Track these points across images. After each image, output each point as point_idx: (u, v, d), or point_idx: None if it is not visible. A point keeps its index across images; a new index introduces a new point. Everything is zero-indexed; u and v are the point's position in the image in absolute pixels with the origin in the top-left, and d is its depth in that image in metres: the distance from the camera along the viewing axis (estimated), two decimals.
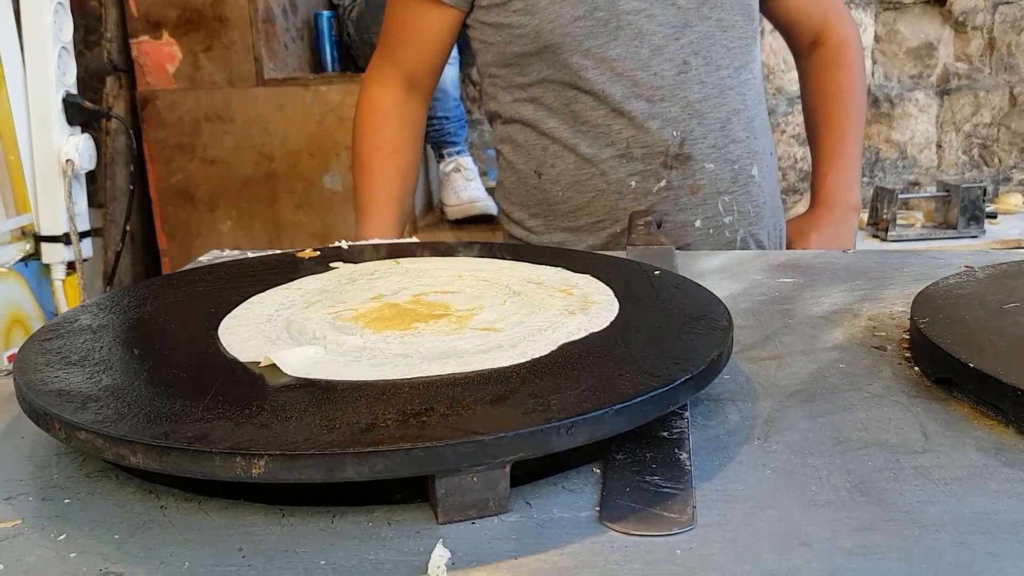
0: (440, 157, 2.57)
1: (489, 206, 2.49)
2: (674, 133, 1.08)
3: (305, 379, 0.47)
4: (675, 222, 1.09)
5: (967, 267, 0.69)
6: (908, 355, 0.58)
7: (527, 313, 0.58)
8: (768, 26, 1.36)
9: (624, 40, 1.06)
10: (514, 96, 1.12)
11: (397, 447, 0.38)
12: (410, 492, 0.42)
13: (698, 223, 1.11)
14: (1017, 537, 0.37)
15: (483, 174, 2.73)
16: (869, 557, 0.36)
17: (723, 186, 1.11)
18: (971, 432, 0.47)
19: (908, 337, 0.60)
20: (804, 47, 1.25)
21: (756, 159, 1.13)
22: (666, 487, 0.42)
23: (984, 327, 0.56)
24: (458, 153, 2.55)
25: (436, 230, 2.44)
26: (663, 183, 1.09)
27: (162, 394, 0.45)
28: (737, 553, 0.37)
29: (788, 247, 1.21)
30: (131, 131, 2.01)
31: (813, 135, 1.25)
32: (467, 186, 2.52)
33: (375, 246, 0.79)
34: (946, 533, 0.38)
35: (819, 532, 0.38)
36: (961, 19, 3.07)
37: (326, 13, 2.58)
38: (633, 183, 1.09)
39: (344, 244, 0.80)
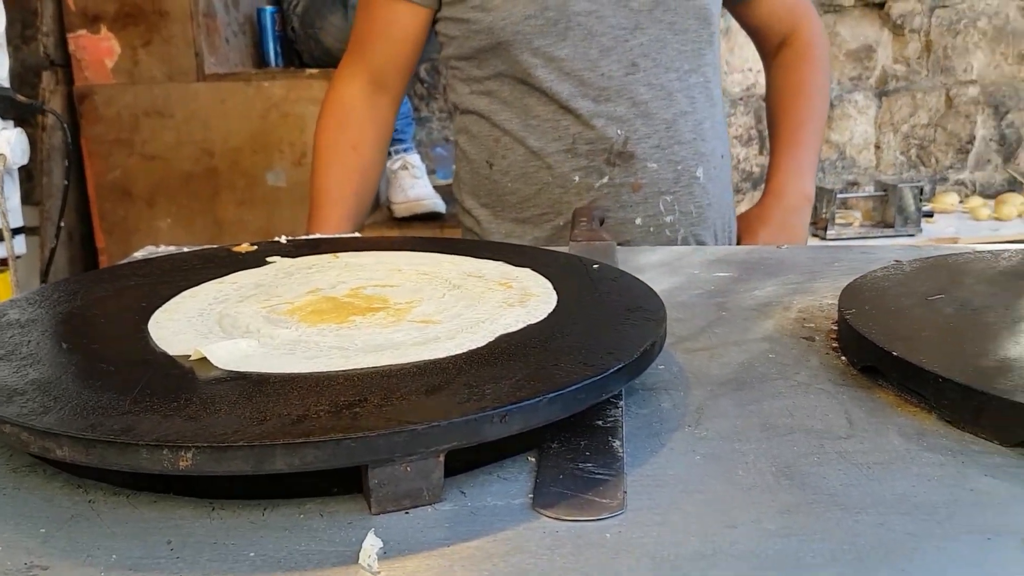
0: (388, 155, 2.55)
1: (436, 204, 2.49)
2: (618, 131, 1.10)
3: (236, 372, 0.47)
4: (616, 219, 1.11)
5: (896, 261, 0.71)
6: (836, 345, 0.59)
7: (466, 306, 0.58)
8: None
9: (573, 40, 1.07)
10: (471, 88, 1.14)
11: (328, 438, 0.38)
12: (345, 484, 0.42)
13: (639, 221, 1.12)
14: (935, 518, 0.39)
15: (431, 172, 2.73)
16: (792, 538, 0.37)
17: (665, 186, 1.12)
18: (894, 418, 0.48)
19: (836, 328, 0.61)
20: (772, 49, 1.28)
21: (702, 161, 1.14)
22: (598, 474, 0.43)
23: (909, 317, 0.57)
24: (405, 151, 2.54)
25: (382, 228, 2.43)
26: (605, 179, 1.11)
27: (90, 387, 0.45)
28: (664, 536, 0.37)
29: (738, 243, 1.23)
30: (66, 126, 1.97)
31: (772, 128, 1.27)
32: (414, 184, 2.51)
33: (315, 240, 0.79)
34: (867, 515, 0.39)
35: (744, 515, 0.39)
36: (899, 22, 3.15)
37: (269, 8, 2.55)
38: (577, 178, 1.11)
39: (283, 239, 0.79)
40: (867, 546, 0.37)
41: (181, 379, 0.46)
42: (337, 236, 0.90)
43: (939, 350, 0.51)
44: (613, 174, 1.10)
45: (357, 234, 1.00)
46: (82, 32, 2.21)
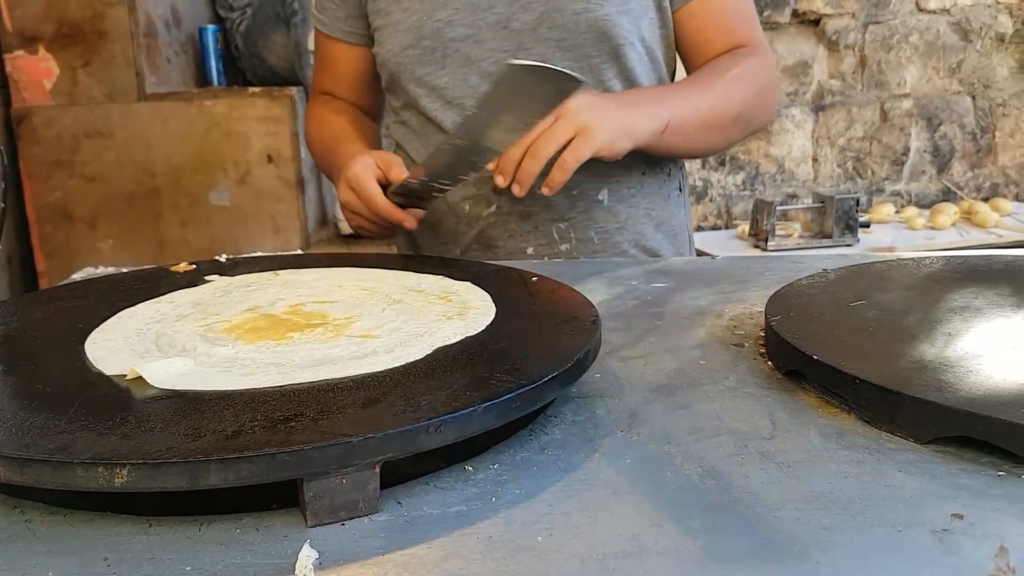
0: None
1: None
2: None
3: (172, 390, 0.47)
4: (506, 248, 1.06)
5: (823, 270, 0.74)
6: (763, 351, 0.61)
7: (405, 320, 0.59)
8: None
9: (452, 68, 1.03)
10: (393, 119, 1.14)
11: (263, 452, 0.39)
12: (282, 499, 0.43)
13: (530, 250, 1.06)
14: (849, 512, 0.41)
15: None
16: (714, 535, 0.39)
17: (558, 213, 1.05)
18: (815, 419, 0.50)
19: (764, 334, 0.63)
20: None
21: (606, 183, 1.05)
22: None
23: (830, 323, 0.60)
24: None
25: (329, 245, 2.42)
26: (493, 208, 1.06)
27: (25, 408, 0.45)
28: (594, 536, 0.39)
29: None
30: (2, 149, 1.94)
31: None
32: None
33: (255, 259, 0.79)
34: (786, 511, 0.41)
35: (670, 513, 0.40)
36: (834, 38, 3.24)
37: (211, 27, 2.53)
38: (467, 207, 1.06)
39: (222, 258, 0.79)
40: (785, 541, 0.38)
41: (117, 398, 0.46)
42: (278, 254, 0.90)
43: (858, 353, 0.53)
44: (500, 202, 1.05)
45: (298, 251, 1.00)
46: (19, 53, 2.17)
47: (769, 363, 0.59)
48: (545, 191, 0.87)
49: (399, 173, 0.91)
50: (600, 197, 1.06)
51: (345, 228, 2.48)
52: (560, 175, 0.86)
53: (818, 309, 0.62)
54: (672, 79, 1.13)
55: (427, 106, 1.05)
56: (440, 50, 1.02)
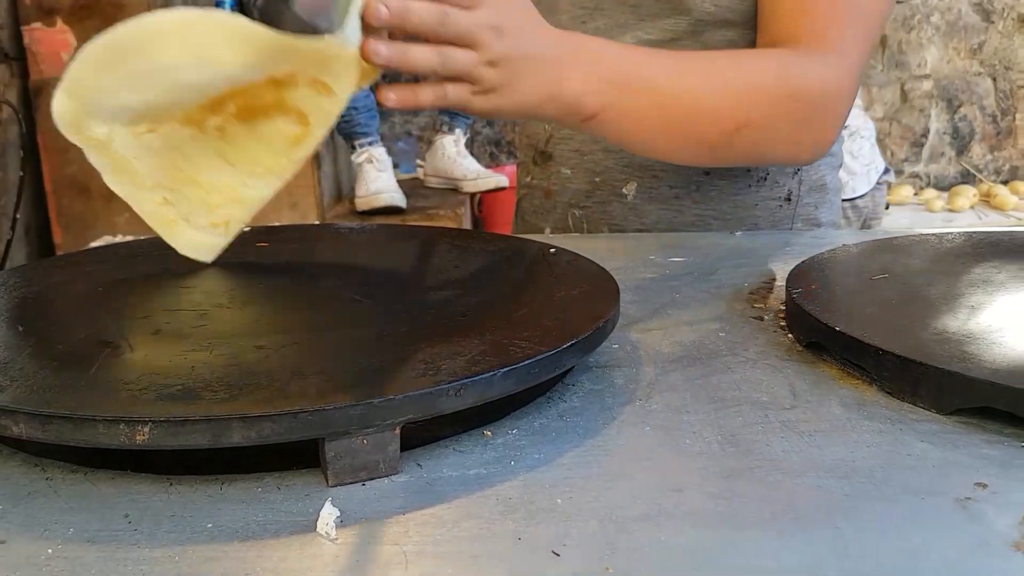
0: (352, 148, 2.55)
1: (395, 198, 2.48)
2: (546, 127, 0.97)
3: (195, 348, 0.47)
4: (529, 223, 1.02)
5: (844, 244, 0.73)
6: (783, 324, 0.61)
7: None
8: None
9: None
10: None
11: (285, 411, 0.39)
12: (303, 459, 0.43)
13: (548, 230, 0.99)
14: (871, 480, 0.40)
15: (396, 166, 2.72)
16: (734, 500, 0.38)
17: (576, 198, 0.96)
18: (836, 390, 0.50)
19: (784, 308, 0.63)
20: None
21: (636, 176, 0.92)
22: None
23: (852, 296, 0.59)
24: (370, 144, 2.54)
25: (344, 221, 2.42)
26: (529, 178, 1.01)
27: (46, 367, 0.45)
28: (613, 500, 0.39)
29: None
30: (22, 118, 1.94)
31: None
32: (378, 177, 2.51)
33: (274, 228, 0.79)
34: (806, 478, 0.40)
35: (689, 479, 0.40)
36: None
37: (228, 1, 2.52)
38: (519, 173, 1.04)
39: (244, 228, 0.79)
40: (805, 507, 0.38)
41: (139, 356, 0.47)
42: (299, 224, 0.90)
43: (880, 325, 0.53)
44: (535, 173, 1.00)
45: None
46: (37, 25, 2.17)
47: (790, 336, 0.59)
48: (391, 101, 0.59)
49: None
50: (625, 191, 0.93)
51: (362, 204, 2.48)
52: (422, 99, 0.60)
53: (840, 282, 0.62)
54: None
55: None
56: None
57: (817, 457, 0.42)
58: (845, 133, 2.07)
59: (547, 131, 0.96)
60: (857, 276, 0.63)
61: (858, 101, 2.21)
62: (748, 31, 0.85)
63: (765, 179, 0.92)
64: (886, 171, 2.20)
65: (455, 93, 0.59)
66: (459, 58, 0.58)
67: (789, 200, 0.94)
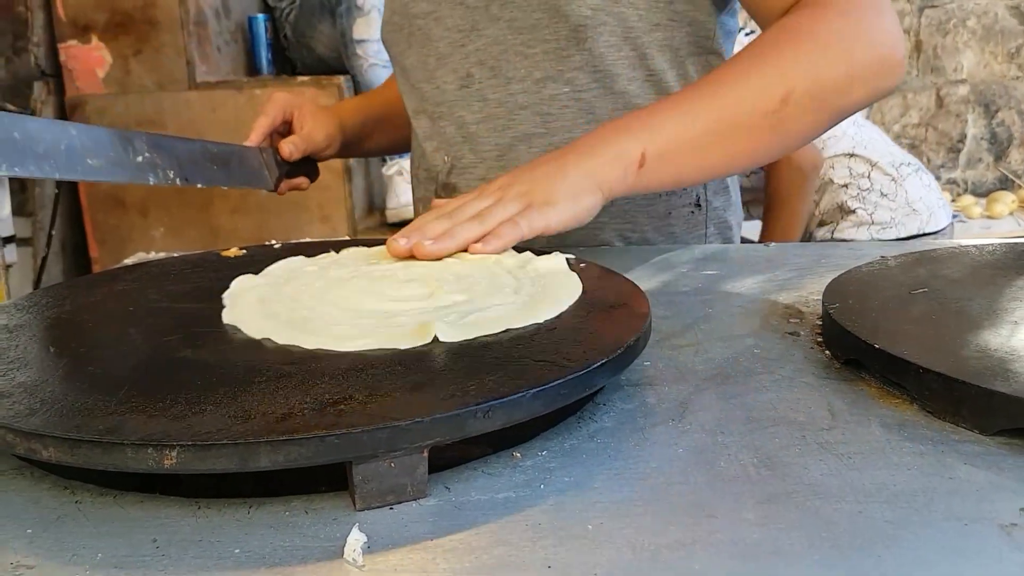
0: (383, 161, 2.56)
1: None
2: (445, 158, 0.93)
3: (222, 368, 0.47)
4: None
5: (882, 257, 0.72)
6: (820, 340, 0.60)
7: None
8: None
9: (416, 47, 0.93)
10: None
11: (312, 434, 0.39)
12: (330, 482, 0.43)
13: None
14: (913, 505, 0.39)
15: None
16: (771, 527, 0.37)
17: None
18: (876, 410, 0.49)
19: (821, 323, 0.62)
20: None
21: None
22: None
23: (891, 311, 0.58)
24: (400, 156, 2.55)
25: (375, 234, 2.44)
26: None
27: (76, 389, 0.45)
28: (645, 526, 0.38)
29: None
30: None
31: None
32: (406, 189, 2.51)
33: (309, 243, 0.79)
34: (846, 503, 0.39)
35: (724, 504, 0.39)
36: None
37: (261, 16, 2.55)
38: (420, 208, 0.99)
39: (276, 244, 0.80)
40: (845, 534, 0.37)
41: (167, 380, 0.46)
42: (331, 240, 0.90)
43: (921, 342, 0.52)
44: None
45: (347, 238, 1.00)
46: (72, 42, 2.21)
47: (826, 352, 0.57)
48: (479, 247, 0.66)
49: (294, 140, 0.98)
50: None
51: (392, 216, 2.50)
52: (504, 238, 0.66)
53: (878, 297, 0.60)
54: (704, 61, 0.89)
55: (402, 89, 0.99)
56: (407, 27, 0.94)
57: (857, 481, 0.41)
58: (911, 169, 2.04)
59: (447, 161, 0.94)
60: (895, 290, 0.62)
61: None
62: (628, 34, 0.85)
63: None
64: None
65: (523, 223, 0.67)
66: (491, 213, 0.67)
67: (699, 205, 0.94)
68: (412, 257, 0.66)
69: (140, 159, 0.73)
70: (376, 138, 1.13)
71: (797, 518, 0.38)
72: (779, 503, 0.39)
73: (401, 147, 1.16)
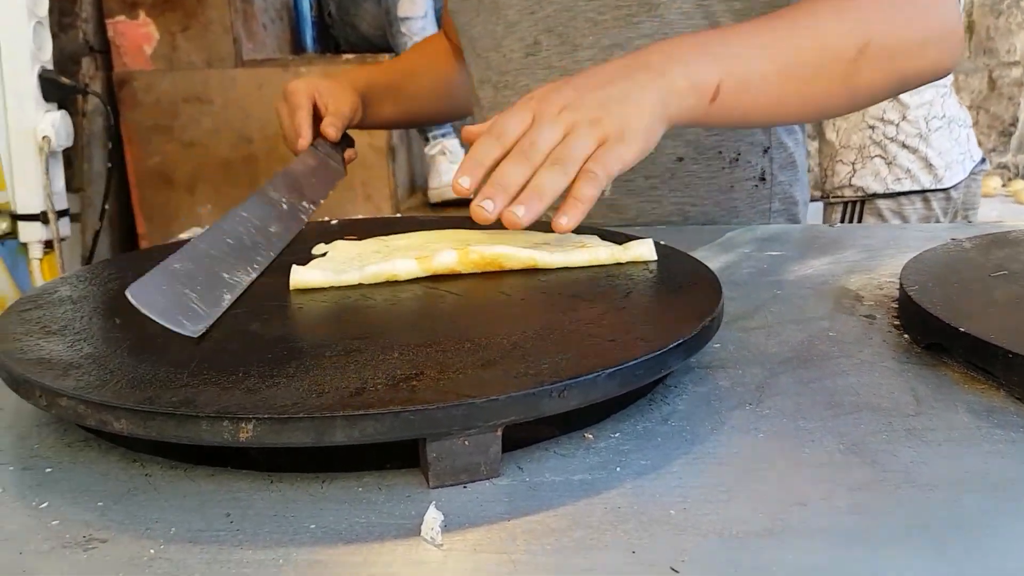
0: (425, 140, 2.56)
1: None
2: None
3: (291, 343, 0.46)
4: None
5: (954, 239, 0.69)
6: (897, 323, 0.58)
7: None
8: None
9: (483, 16, 0.92)
10: None
11: (387, 410, 0.38)
12: (401, 458, 0.42)
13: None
14: (1008, 494, 0.37)
15: None
16: (865, 515, 0.36)
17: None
18: (962, 395, 0.47)
19: (897, 306, 0.60)
20: None
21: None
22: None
23: (972, 294, 0.56)
24: (444, 136, 2.54)
25: (418, 213, 2.43)
26: None
27: (145, 361, 0.45)
28: (731, 513, 0.36)
29: None
30: (108, 108, 1.99)
31: None
32: (449, 169, 2.51)
33: (367, 220, 0.78)
34: (939, 492, 0.38)
35: (813, 492, 0.38)
36: None
37: (308, 1, 2.55)
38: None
39: (333, 221, 0.79)
40: (941, 522, 0.35)
41: (236, 353, 0.46)
42: (391, 216, 0.89)
43: (1006, 326, 0.49)
44: None
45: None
46: (120, 18, 2.22)
47: (905, 336, 0.55)
48: (564, 222, 0.57)
49: (331, 120, 0.93)
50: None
51: (435, 196, 2.49)
52: (585, 203, 0.58)
53: (957, 279, 0.58)
54: None
55: (469, 60, 0.97)
56: None
57: (948, 468, 0.40)
58: (944, 122, 1.98)
59: None
60: (973, 272, 0.60)
61: (955, 92, 2.11)
62: (702, 1, 0.82)
63: (737, 160, 0.89)
64: (982, 161, 2.11)
65: (600, 171, 0.58)
66: (569, 152, 0.58)
67: (764, 179, 0.91)
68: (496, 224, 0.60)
69: (285, 206, 0.73)
70: (386, 107, 1.10)
71: (890, 506, 0.37)
72: (871, 490, 0.38)
73: (410, 120, 1.18)
